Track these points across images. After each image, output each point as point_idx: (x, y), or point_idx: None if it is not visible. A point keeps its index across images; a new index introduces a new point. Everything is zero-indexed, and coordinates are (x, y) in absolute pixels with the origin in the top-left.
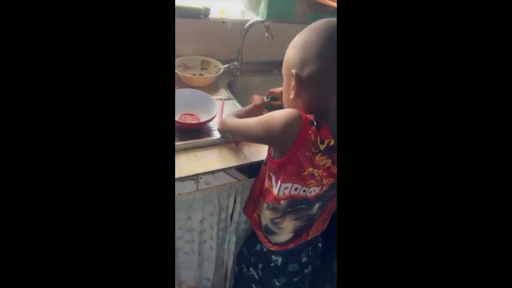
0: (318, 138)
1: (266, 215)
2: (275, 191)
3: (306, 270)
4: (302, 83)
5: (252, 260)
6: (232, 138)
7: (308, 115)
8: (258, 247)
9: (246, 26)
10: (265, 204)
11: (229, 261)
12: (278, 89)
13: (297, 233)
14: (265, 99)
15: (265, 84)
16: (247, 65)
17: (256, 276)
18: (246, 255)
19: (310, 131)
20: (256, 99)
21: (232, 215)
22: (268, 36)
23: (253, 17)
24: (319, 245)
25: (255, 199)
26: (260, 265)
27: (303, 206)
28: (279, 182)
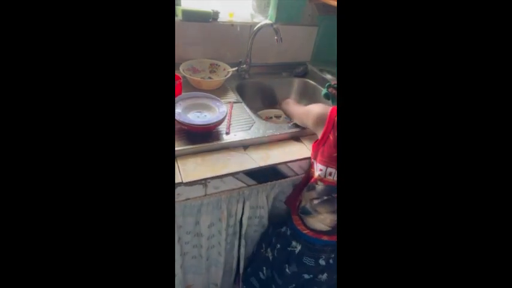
0: None
1: (306, 197)
2: (316, 173)
3: (320, 276)
4: None
5: (273, 240)
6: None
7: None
8: (284, 228)
9: (254, 29)
10: (305, 189)
11: (240, 265)
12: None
13: (334, 230)
14: (328, 83)
15: (274, 87)
16: (256, 68)
17: (270, 257)
18: (269, 234)
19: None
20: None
21: (241, 220)
22: (277, 39)
23: (262, 20)
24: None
25: (295, 198)
26: (278, 245)
27: (334, 195)
28: (317, 163)
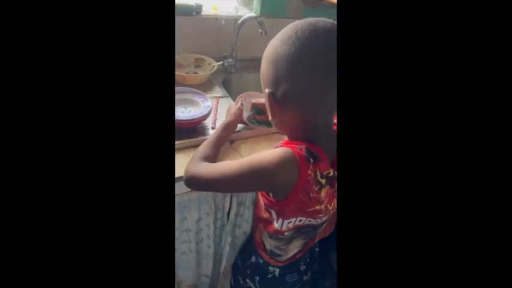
0: (318, 173)
1: (270, 243)
2: (276, 225)
3: (304, 278)
4: (278, 103)
5: (248, 272)
6: (209, 190)
7: (301, 151)
8: (254, 259)
9: (239, 22)
10: (266, 233)
11: (223, 261)
12: (262, 100)
13: (304, 246)
14: (249, 113)
15: (260, 81)
16: (241, 62)
17: None
18: (241, 267)
19: (309, 171)
20: (231, 112)
21: (228, 214)
22: (261, 32)
23: (246, 13)
24: (316, 249)
25: (256, 223)
26: (257, 277)
27: (309, 230)
28: (281, 219)
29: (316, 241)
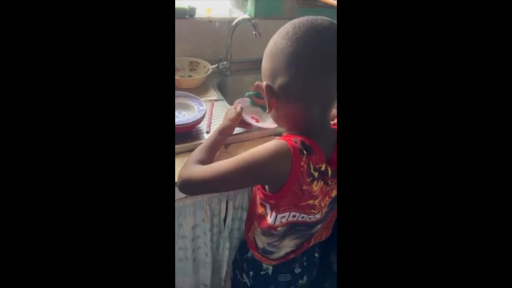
0: (311, 166)
1: (263, 240)
2: (270, 220)
3: (300, 281)
4: (274, 96)
5: (244, 266)
6: (206, 191)
7: (295, 143)
8: (250, 254)
9: (233, 24)
10: (259, 230)
11: (223, 267)
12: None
13: (299, 246)
14: (248, 93)
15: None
16: (237, 64)
17: (249, 284)
18: (238, 261)
19: (302, 163)
20: (229, 116)
21: (225, 220)
22: (255, 34)
23: (240, 15)
24: (316, 255)
25: (250, 220)
26: (251, 272)
27: (303, 228)
28: (274, 213)
29: (311, 244)
